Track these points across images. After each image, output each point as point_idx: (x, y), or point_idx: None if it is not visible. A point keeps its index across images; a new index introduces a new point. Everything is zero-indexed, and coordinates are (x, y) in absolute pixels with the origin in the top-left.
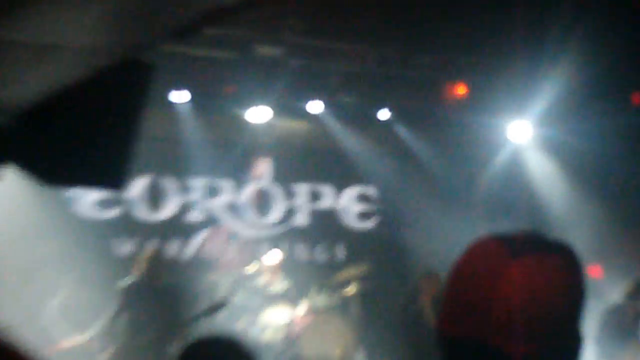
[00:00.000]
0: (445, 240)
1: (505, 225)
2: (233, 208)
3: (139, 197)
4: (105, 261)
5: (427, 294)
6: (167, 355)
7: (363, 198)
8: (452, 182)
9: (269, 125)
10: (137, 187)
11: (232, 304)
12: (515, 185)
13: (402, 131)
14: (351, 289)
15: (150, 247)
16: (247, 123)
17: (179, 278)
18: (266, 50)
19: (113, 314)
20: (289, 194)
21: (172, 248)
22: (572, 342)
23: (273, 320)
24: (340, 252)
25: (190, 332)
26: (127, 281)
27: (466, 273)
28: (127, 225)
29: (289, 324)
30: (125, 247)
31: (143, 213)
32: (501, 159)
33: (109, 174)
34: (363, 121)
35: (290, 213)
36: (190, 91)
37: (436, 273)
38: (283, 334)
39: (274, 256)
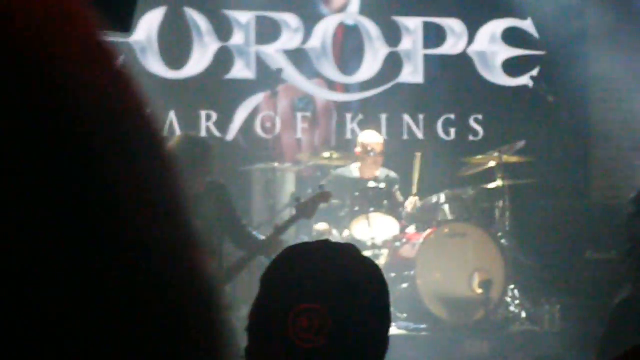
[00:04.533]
0: None
1: None
2: (300, 58)
3: (150, 44)
4: None
5: None
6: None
7: (515, 38)
8: None
9: None
10: (146, 27)
11: (306, 210)
12: None
13: None
14: (497, 186)
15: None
16: None
17: (219, 174)
18: None
19: None
20: (392, 34)
21: (206, 125)
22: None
23: (371, 235)
24: (478, 125)
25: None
26: None
27: None
28: None
29: (397, 241)
30: None
31: (157, 69)
32: None
33: (106, 7)
34: None
35: (394, 65)
36: None
37: None
38: (387, 256)
39: (369, 134)
